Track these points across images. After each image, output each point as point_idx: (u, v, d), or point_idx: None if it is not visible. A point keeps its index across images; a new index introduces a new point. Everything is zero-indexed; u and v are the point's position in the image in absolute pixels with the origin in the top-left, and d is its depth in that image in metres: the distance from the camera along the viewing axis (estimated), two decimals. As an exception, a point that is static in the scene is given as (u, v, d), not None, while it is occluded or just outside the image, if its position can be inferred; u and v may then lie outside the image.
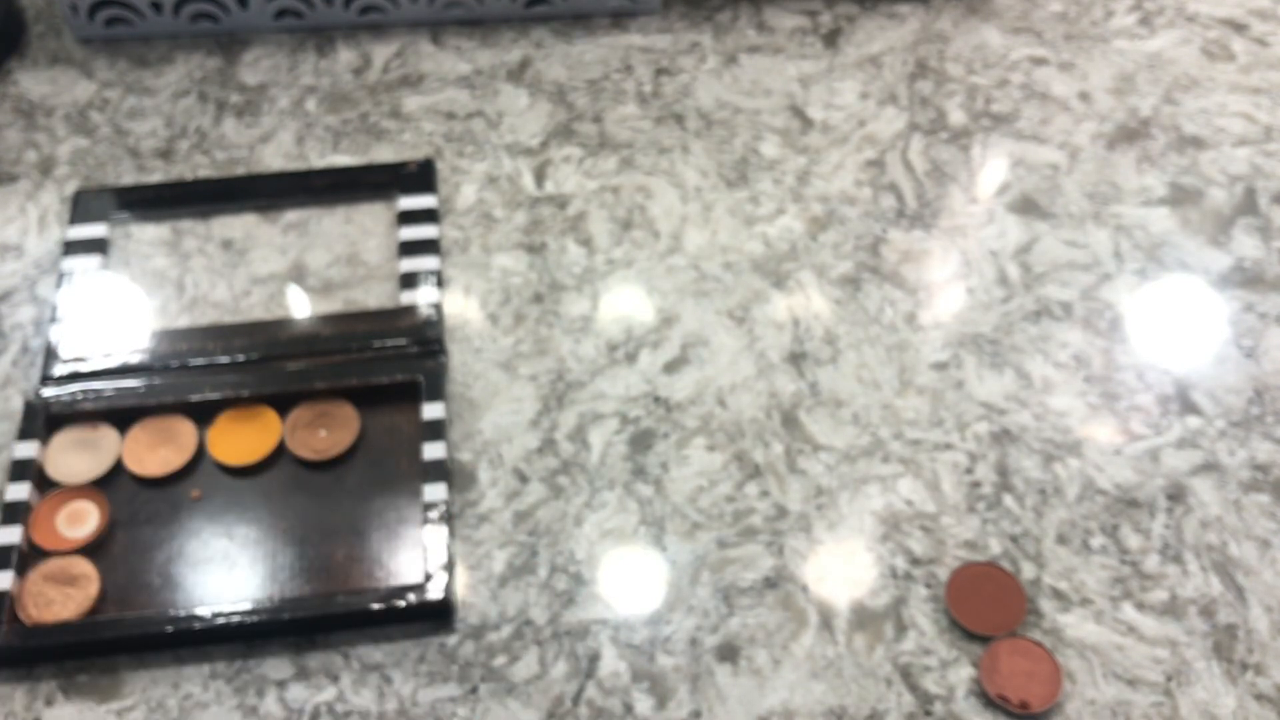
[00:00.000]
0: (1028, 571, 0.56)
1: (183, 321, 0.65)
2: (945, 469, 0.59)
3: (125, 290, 0.66)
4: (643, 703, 0.52)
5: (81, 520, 0.57)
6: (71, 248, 0.67)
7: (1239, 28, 0.81)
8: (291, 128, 0.74)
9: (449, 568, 0.55)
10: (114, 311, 0.65)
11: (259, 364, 0.62)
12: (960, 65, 0.78)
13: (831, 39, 0.80)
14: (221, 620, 0.53)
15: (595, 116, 0.75)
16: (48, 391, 0.60)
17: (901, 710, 0.52)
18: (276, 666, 0.53)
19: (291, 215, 0.70)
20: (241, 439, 0.59)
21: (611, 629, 0.54)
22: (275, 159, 0.72)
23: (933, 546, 0.57)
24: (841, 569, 0.56)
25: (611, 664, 0.53)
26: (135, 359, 0.62)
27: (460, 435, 0.60)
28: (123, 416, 0.60)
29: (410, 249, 0.67)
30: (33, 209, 0.70)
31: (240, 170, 0.72)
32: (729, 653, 0.53)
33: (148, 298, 0.66)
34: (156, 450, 0.59)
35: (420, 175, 0.70)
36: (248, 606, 0.53)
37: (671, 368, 0.63)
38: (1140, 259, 0.68)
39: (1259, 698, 0.52)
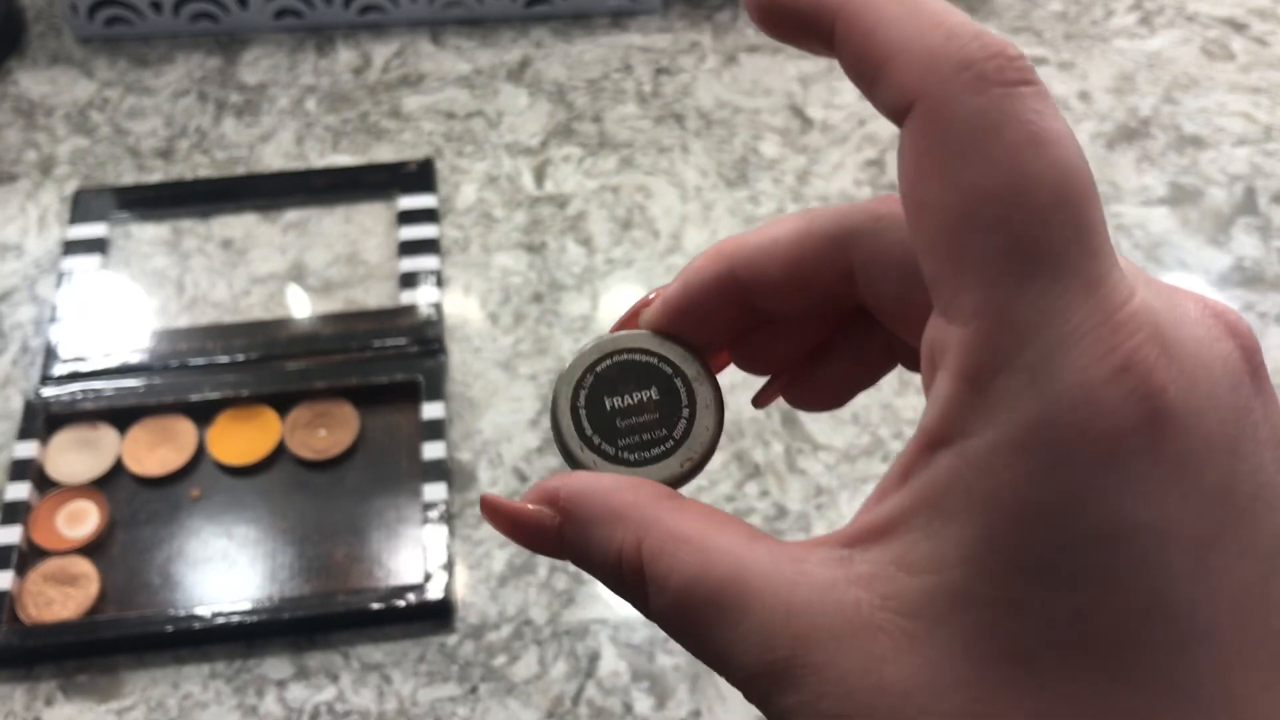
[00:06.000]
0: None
1: (182, 321, 0.65)
2: (945, 468, 0.59)
3: (125, 290, 0.66)
4: (642, 702, 0.52)
5: (81, 520, 0.57)
6: (71, 247, 0.67)
7: (1239, 27, 0.81)
8: (291, 127, 0.74)
9: (449, 567, 0.55)
10: (114, 311, 0.65)
11: (258, 364, 0.62)
12: (960, 65, 0.78)
13: (831, 38, 0.80)
14: (221, 620, 0.53)
15: (595, 116, 0.75)
16: (47, 391, 0.60)
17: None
18: (276, 666, 0.53)
19: (291, 215, 0.70)
20: (241, 439, 0.59)
21: (611, 628, 0.54)
22: (275, 159, 0.72)
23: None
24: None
25: (611, 663, 0.53)
26: (135, 359, 0.62)
27: (460, 435, 0.60)
28: (122, 416, 0.60)
29: (410, 249, 0.67)
30: (32, 208, 0.70)
31: (240, 170, 0.72)
32: (729, 652, 0.53)
33: (147, 297, 0.66)
34: (156, 450, 0.59)
35: (420, 175, 0.70)
36: (247, 606, 0.53)
37: (671, 367, 0.63)
38: (1140, 259, 0.68)
39: (1259, 697, 0.52)
